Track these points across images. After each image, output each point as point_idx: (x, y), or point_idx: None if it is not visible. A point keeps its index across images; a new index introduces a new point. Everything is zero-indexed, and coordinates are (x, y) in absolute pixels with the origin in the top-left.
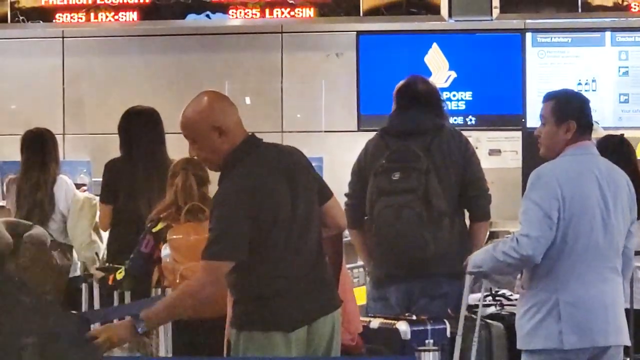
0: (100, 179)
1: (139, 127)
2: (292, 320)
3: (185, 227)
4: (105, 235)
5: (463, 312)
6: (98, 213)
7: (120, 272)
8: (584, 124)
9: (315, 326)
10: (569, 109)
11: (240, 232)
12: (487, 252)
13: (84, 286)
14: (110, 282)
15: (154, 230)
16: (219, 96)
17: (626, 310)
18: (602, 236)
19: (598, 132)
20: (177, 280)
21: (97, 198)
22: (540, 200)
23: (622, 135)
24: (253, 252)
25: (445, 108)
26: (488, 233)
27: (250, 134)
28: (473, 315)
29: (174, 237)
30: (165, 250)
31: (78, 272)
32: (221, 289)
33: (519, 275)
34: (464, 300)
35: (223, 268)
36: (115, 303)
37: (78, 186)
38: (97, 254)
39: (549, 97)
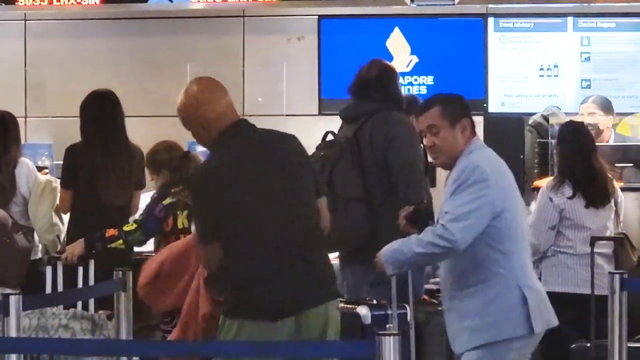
0: (62, 162)
1: (98, 110)
2: (278, 310)
3: None
4: (66, 218)
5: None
6: (59, 196)
7: (131, 225)
8: (471, 118)
9: (304, 317)
10: (457, 108)
11: (209, 215)
12: (407, 249)
13: (48, 268)
14: (115, 232)
15: (164, 201)
16: (204, 87)
17: (587, 296)
18: (525, 222)
19: (560, 118)
20: None
21: (59, 181)
22: (485, 192)
23: (581, 123)
24: (234, 236)
25: (396, 92)
26: None
27: (239, 119)
28: (434, 300)
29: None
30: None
31: (39, 255)
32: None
33: None
34: (393, 298)
35: (209, 249)
36: (80, 285)
37: (40, 169)
38: (58, 236)
39: (429, 106)
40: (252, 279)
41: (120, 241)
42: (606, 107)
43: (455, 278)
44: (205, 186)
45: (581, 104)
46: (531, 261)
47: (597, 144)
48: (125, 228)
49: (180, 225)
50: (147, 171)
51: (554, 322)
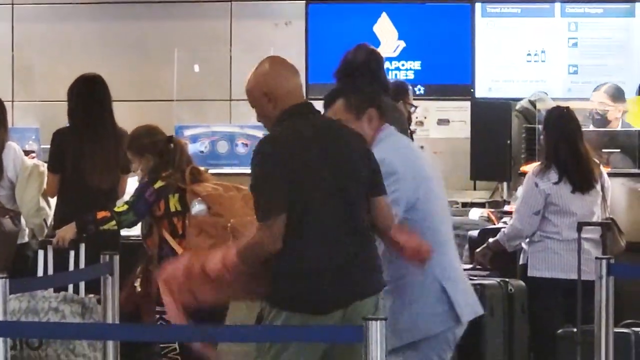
0: (49, 146)
1: (86, 95)
2: (327, 302)
3: (209, 185)
4: (53, 202)
5: None
6: (46, 180)
7: (122, 206)
8: (379, 105)
9: (352, 310)
10: (361, 99)
11: (277, 185)
12: None
13: (40, 252)
14: (107, 214)
15: (155, 185)
16: (276, 63)
17: (574, 281)
18: (446, 210)
19: (547, 103)
20: (230, 233)
21: (46, 165)
22: (395, 186)
23: (567, 108)
24: (289, 224)
25: (383, 78)
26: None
27: (303, 102)
28: None
29: (207, 193)
30: (199, 206)
31: (26, 239)
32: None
33: (466, 246)
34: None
35: (278, 223)
36: (71, 268)
37: (27, 153)
38: (45, 220)
39: (332, 99)
40: (307, 269)
41: (113, 222)
42: (617, 97)
43: None
44: (273, 155)
45: (594, 91)
46: (455, 250)
47: (584, 129)
48: (117, 209)
49: (172, 209)
50: (128, 153)
51: (480, 310)
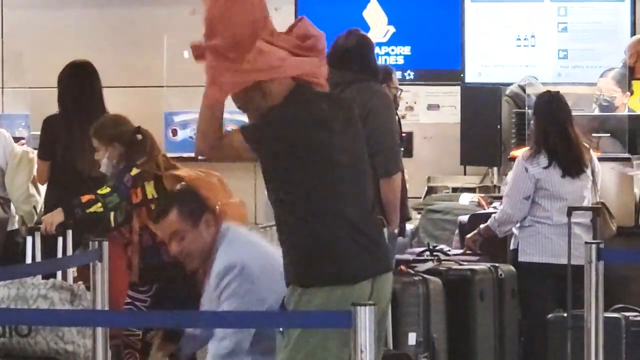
0: (39, 133)
1: (76, 82)
2: (357, 272)
3: (188, 170)
4: (43, 189)
5: None
6: (36, 167)
7: (105, 189)
8: (211, 209)
9: (379, 283)
10: (195, 205)
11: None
12: None
13: (28, 239)
14: (92, 197)
15: (131, 173)
16: None
17: (565, 266)
18: None
19: (536, 88)
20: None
21: (36, 152)
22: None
23: (557, 92)
24: (310, 194)
25: (373, 63)
26: (399, 188)
27: (297, 83)
28: (410, 271)
29: (191, 177)
30: None
31: (16, 226)
32: None
33: (456, 231)
34: None
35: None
36: (59, 255)
37: (16, 140)
38: (35, 207)
39: (165, 212)
40: (333, 239)
41: (99, 204)
42: (624, 83)
43: None
44: (295, 121)
45: (600, 77)
46: None
47: (574, 114)
48: (101, 191)
49: (149, 196)
50: (94, 141)
51: None
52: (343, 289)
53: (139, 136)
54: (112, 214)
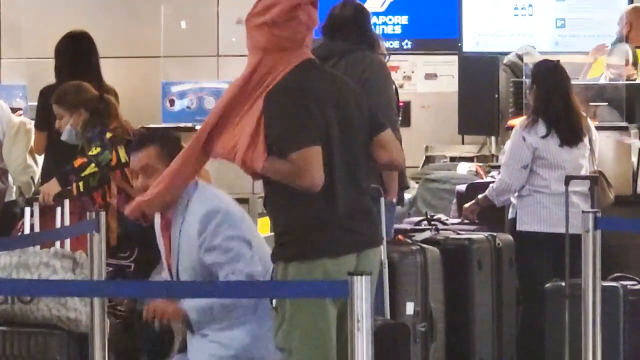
0: (36, 104)
1: (74, 52)
2: (340, 246)
3: None
4: (40, 159)
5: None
6: (33, 137)
7: (95, 149)
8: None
9: (364, 258)
10: (175, 145)
11: (307, 118)
12: None
13: (26, 210)
14: (84, 160)
15: (107, 136)
16: None
17: (563, 235)
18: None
19: (534, 57)
20: None
21: (33, 122)
22: None
23: (558, 61)
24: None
25: (370, 33)
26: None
27: (305, 59)
28: (408, 240)
29: None
30: None
31: (14, 197)
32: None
33: (454, 200)
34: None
35: (315, 154)
36: (57, 224)
37: (14, 110)
38: (32, 178)
39: (144, 144)
40: (318, 219)
41: (93, 165)
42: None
43: None
44: (300, 90)
45: (608, 55)
46: None
47: (573, 82)
48: (92, 152)
49: (123, 160)
50: (57, 108)
51: None
52: (324, 263)
53: (102, 105)
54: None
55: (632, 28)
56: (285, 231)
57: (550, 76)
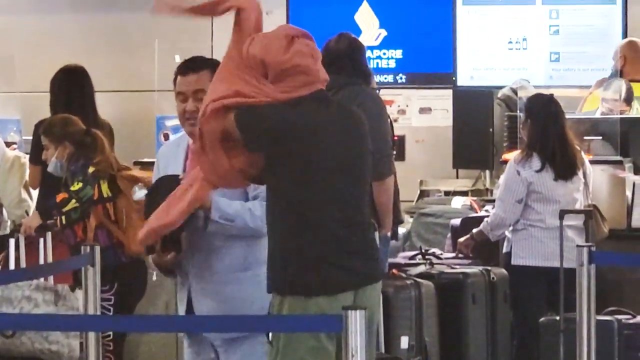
0: (31, 138)
1: (69, 86)
2: (337, 284)
3: (143, 172)
4: (35, 193)
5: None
6: (28, 172)
7: (77, 185)
8: None
9: (362, 294)
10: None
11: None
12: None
13: (11, 241)
14: (66, 195)
15: (89, 171)
16: None
17: (557, 269)
18: None
19: (528, 91)
20: None
21: (27, 157)
22: None
23: (552, 95)
24: (300, 210)
25: (365, 66)
26: (391, 191)
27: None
28: (402, 274)
29: (149, 178)
30: (141, 192)
31: (8, 230)
32: None
33: (448, 234)
34: None
35: None
36: (41, 257)
37: (8, 145)
38: (27, 212)
39: (200, 67)
40: (317, 254)
41: (74, 201)
42: (628, 98)
43: None
44: (295, 123)
45: (604, 89)
46: None
47: (567, 116)
48: (73, 188)
49: (105, 194)
50: (44, 139)
51: None
52: (318, 301)
53: (88, 138)
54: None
55: (627, 62)
56: (277, 264)
57: (544, 110)
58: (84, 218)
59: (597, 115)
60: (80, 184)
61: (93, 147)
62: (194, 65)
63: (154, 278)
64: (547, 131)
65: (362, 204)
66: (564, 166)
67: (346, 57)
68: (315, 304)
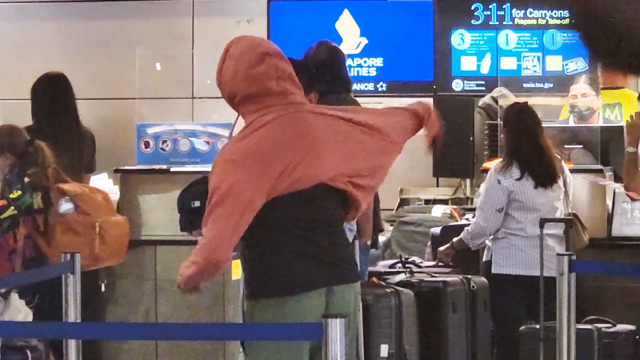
0: None
1: (50, 93)
2: (305, 282)
3: (76, 185)
4: None
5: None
6: None
7: (17, 192)
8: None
9: (335, 294)
10: (306, 77)
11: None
12: None
13: None
14: (4, 202)
15: (25, 180)
16: None
17: (538, 277)
18: None
19: (509, 99)
20: (97, 231)
21: None
22: None
23: (525, 103)
24: (265, 222)
25: (345, 74)
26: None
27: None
28: (382, 283)
29: (76, 192)
30: (66, 205)
31: None
32: None
33: (428, 243)
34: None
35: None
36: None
37: None
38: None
39: None
40: (284, 261)
41: (12, 208)
42: (597, 86)
43: None
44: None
45: (574, 84)
46: None
47: (545, 125)
48: (12, 195)
49: (36, 206)
50: None
51: None
52: (287, 300)
53: (30, 149)
54: None
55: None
56: (250, 270)
57: (517, 119)
58: (13, 227)
59: (570, 122)
60: (19, 192)
61: (34, 158)
62: None
63: (103, 289)
64: (520, 140)
65: (327, 204)
66: (542, 174)
67: (326, 66)
68: (288, 302)
